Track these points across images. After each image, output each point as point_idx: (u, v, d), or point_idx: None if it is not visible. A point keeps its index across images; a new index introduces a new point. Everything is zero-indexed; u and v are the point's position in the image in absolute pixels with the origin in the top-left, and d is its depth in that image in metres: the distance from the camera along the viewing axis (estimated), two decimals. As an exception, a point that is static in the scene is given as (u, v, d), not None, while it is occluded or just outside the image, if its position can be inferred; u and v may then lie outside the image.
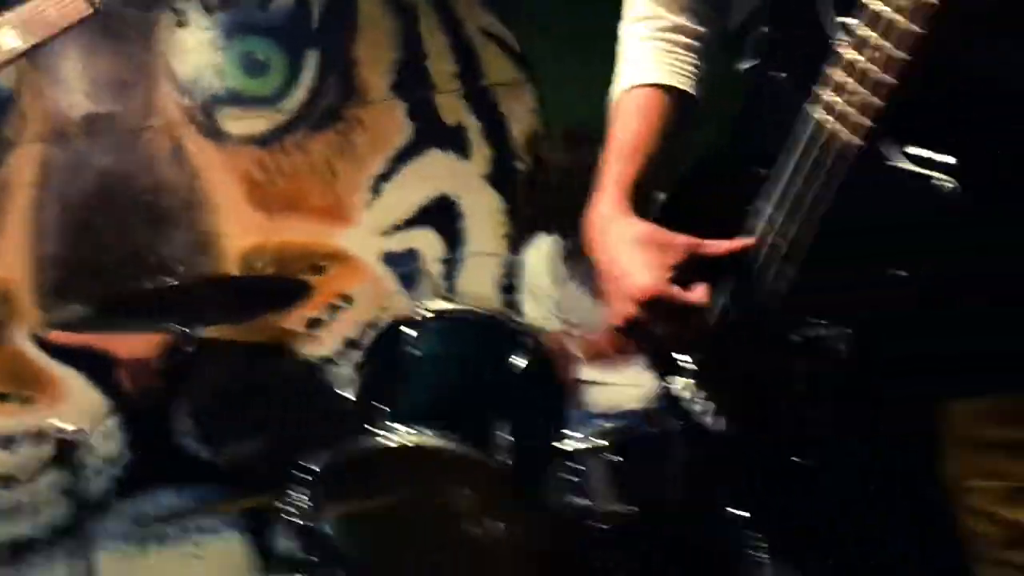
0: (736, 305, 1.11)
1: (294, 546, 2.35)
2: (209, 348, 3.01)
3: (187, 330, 2.63)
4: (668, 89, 1.23)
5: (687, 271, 1.09)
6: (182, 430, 3.11)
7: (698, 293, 1.09)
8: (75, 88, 3.23)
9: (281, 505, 2.18)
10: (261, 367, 3.19)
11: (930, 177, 0.92)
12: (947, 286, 0.94)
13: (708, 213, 1.14)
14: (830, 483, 1.10)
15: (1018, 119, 0.96)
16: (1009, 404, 0.97)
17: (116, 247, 3.19)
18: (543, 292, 2.96)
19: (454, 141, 3.47)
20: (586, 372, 2.91)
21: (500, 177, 3.47)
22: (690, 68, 1.25)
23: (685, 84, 1.24)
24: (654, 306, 1.08)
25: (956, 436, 1.01)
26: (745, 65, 1.14)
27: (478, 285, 3.37)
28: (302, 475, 2.16)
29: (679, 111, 1.23)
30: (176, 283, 2.60)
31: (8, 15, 1.87)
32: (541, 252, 3.01)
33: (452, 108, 3.49)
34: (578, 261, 2.92)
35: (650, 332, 1.11)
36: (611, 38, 1.33)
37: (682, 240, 1.10)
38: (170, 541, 3.12)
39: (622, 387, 2.84)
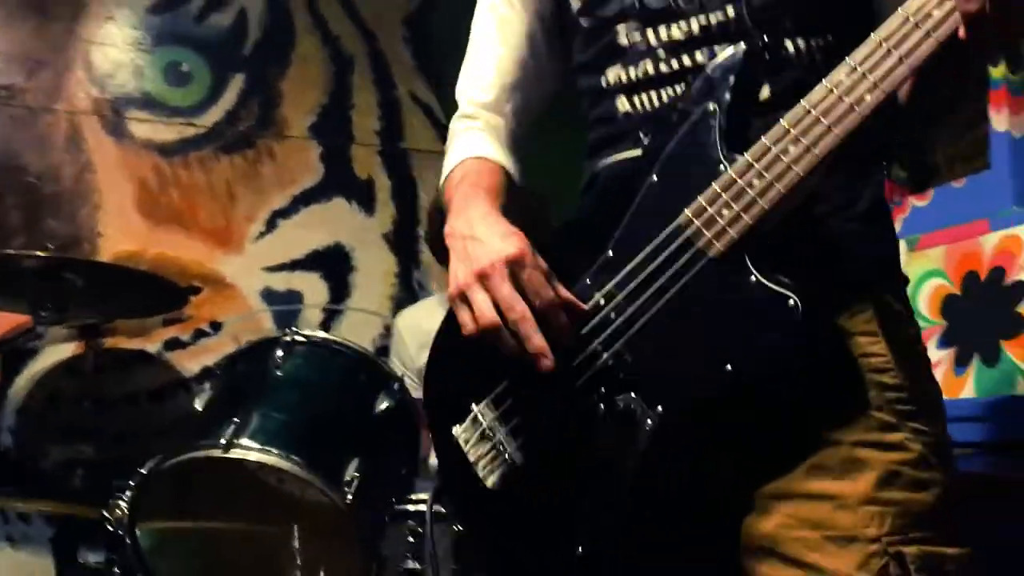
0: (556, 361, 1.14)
1: (100, 556, 2.17)
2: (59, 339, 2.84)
3: (43, 313, 2.44)
4: (498, 164, 1.36)
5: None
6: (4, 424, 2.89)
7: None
8: (-18, 53, 3.09)
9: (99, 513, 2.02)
10: (111, 372, 2.99)
11: (779, 292, 1.02)
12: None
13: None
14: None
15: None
16: (837, 460, 1.06)
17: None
18: (409, 360, 2.91)
19: (361, 194, 3.44)
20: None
21: (399, 239, 3.45)
22: (510, 155, 1.39)
23: (508, 164, 1.37)
24: (514, 264, 1.12)
25: (780, 490, 1.08)
26: (610, 160, 1.26)
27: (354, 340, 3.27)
28: (125, 482, 2.01)
29: (507, 182, 1.35)
30: (41, 258, 2.32)
31: None
32: (408, 319, 2.99)
33: (366, 162, 3.47)
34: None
35: (487, 301, 1.13)
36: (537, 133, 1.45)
37: (541, 260, 1.16)
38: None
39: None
